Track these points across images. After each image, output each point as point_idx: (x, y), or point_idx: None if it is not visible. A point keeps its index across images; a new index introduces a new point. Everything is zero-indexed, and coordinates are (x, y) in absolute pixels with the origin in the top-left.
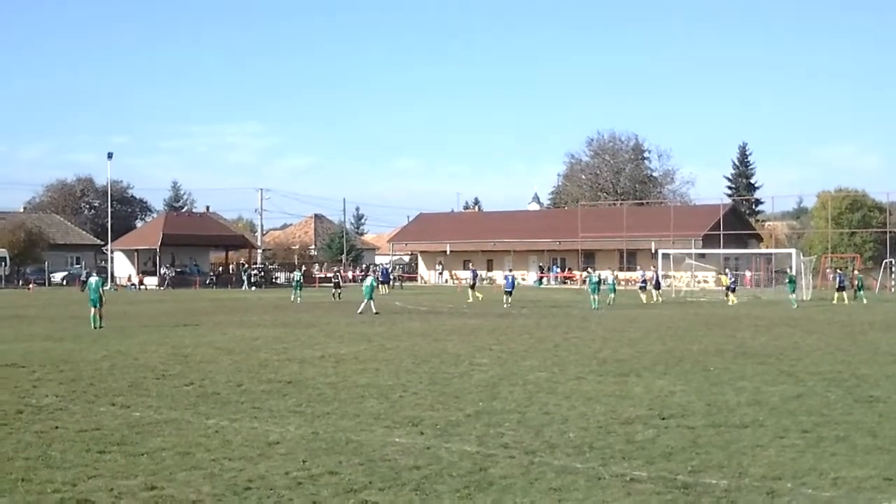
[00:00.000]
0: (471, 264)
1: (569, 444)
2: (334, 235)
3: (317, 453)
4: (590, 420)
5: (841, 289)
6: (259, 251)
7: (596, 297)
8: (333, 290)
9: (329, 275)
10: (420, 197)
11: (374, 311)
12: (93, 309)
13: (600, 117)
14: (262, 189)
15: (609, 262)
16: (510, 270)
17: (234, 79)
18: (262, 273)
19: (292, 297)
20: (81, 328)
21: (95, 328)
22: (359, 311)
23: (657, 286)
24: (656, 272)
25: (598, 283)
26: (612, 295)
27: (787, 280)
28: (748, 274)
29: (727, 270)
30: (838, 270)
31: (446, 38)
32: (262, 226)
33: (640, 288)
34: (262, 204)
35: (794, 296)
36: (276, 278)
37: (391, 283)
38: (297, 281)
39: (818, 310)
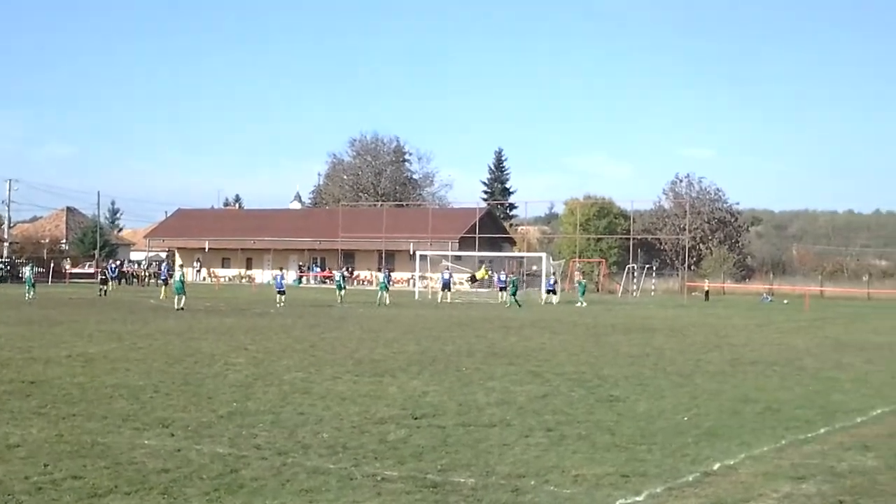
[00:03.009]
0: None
1: (322, 445)
2: (87, 230)
3: (60, 457)
4: (344, 420)
5: (550, 292)
6: (6, 245)
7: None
8: (100, 287)
9: (92, 270)
10: (182, 193)
11: (180, 307)
12: None
13: (364, 118)
14: (10, 179)
15: (368, 263)
16: (281, 269)
17: None
18: (9, 268)
19: (27, 296)
20: None
21: None
22: (179, 307)
23: (447, 287)
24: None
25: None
26: (384, 293)
27: (578, 283)
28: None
29: (485, 264)
30: (585, 274)
31: (210, 31)
32: (9, 218)
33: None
34: (10, 195)
35: (583, 297)
36: (23, 274)
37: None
38: (29, 277)
39: (566, 311)
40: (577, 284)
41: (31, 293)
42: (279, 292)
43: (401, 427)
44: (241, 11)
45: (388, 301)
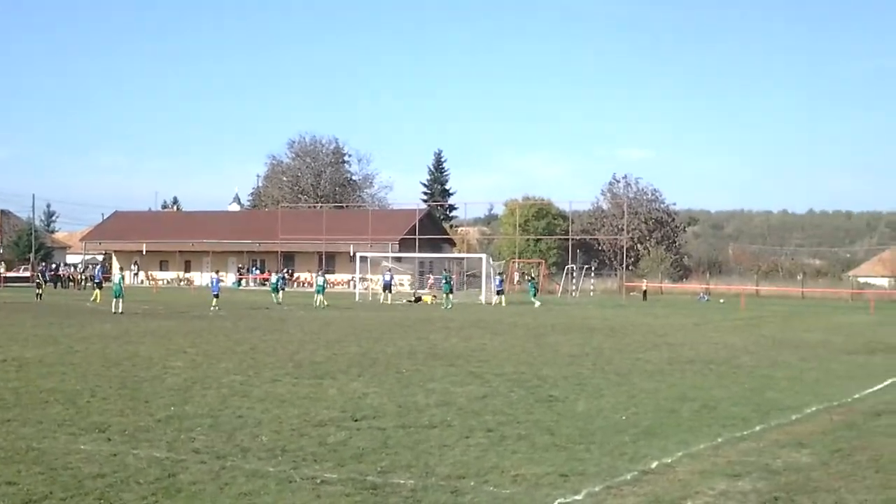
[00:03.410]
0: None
1: (261, 448)
2: (22, 233)
3: None
4: (283, 423)
5: (499, 293)
6: None
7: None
8: (36, 290)
9: (28, 274)
10: (119, 196)
11: (119, 310)
12: None
13: (302, 119)
14: None
15: (309, 265)
16: (217, 272)
17: None
18: None
19: None
20: None
21: None
22: (116, 310)
23: (388, 288)
24: (320, 274)
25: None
26: (320, 296)
27: (529, 282)
28: (432, 278)
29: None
30: (526, 275)
31: (145, 30)
32: None
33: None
34: None
35: (535, 297)
36: None
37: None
38: None
39: (506, 312)
40: (528, 285)
41: None
42: (215, 295)
43: (341, 429)
44: (177, 10)
45: (324, 304)
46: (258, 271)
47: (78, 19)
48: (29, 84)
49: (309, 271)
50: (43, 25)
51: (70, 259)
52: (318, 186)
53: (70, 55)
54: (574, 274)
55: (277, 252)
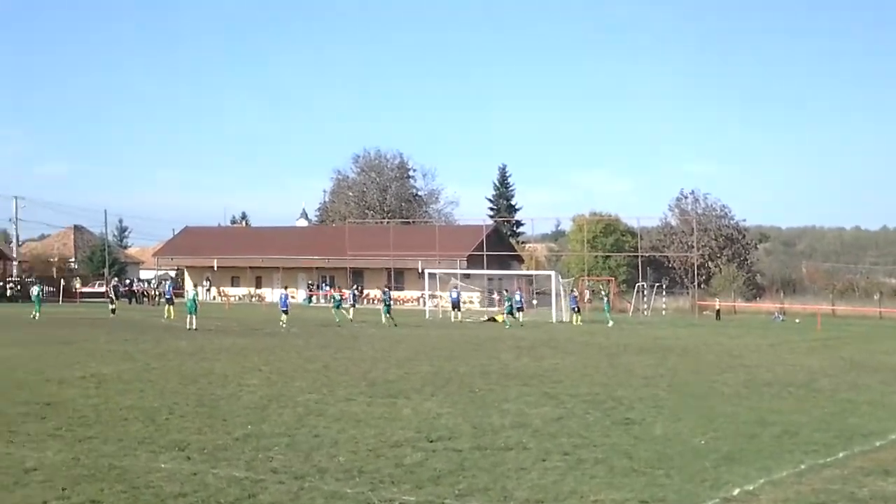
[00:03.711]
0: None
1: (339, 468)
2: (96, 248)
3: (77, 480)
4: (359, 443)
5: (575, 311)
6: (14, 263)
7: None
8: (110, 306)
9: (102, 289)
10: (186, 210)
11: (193, 327)
12: None
13: (367, 134)
14: (16, 197)
15: (377, 281)
16: (285, 288)
17: None
18: (19, 287)
19: (33, 315)
20: None
21: None
22: (190, 327)
23: (456, 306)
24: (385, 291)
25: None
26: (387, 314)
27: (603, 300)
28: (496, 296)
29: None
30: (597, 293)
31: (214, 49)
32: (17, 236)
33: (352, 305)
34: (17, 213)
35: (608, 315)
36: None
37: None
38: (37, 296)
39: (577, 331)
40: (601, 303)
41: (37, 312)
42: (283, 311)
43: (417, 450)
44: (244, 28)
45: (392, 321)
46: (328, 287)
47: (144, 40)
48: (99, 101)
49: (378, 287)
50: (112, 46)
51: (143, 274)
52: (384, 202)
53: (140, 73)
54: (645, 292)
55: (346, 268)
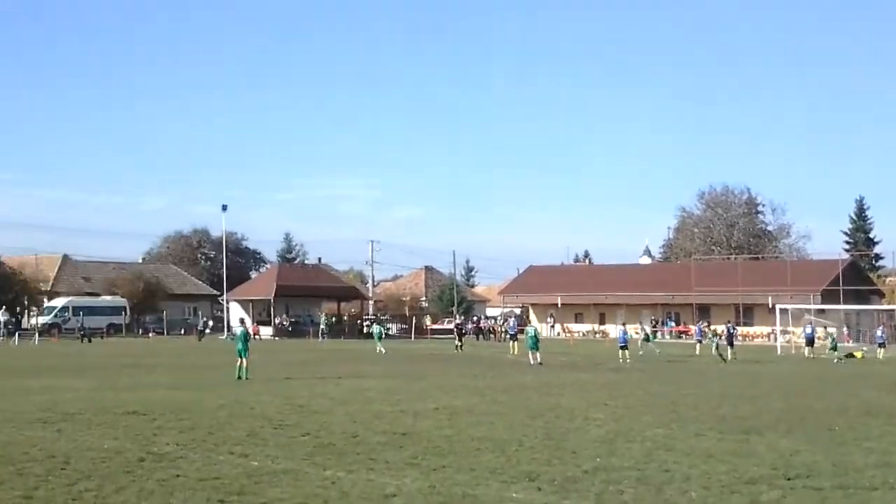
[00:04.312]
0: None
1: None
2: (445, 287)
3: None
4: (712, 479)
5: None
6: (370, 302)
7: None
8: (456, 342)
9: (449, 326)
10: (529, 250)
11: (537, 362)
12: (239, 359)
13: (710, 169)
14: (372, 241)
15: (724, 317)
16: (623, 324)
17: (346, 131)
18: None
19: (377, 348)
20: (204, 376)
21: (240, 378)
22: (534, 362)
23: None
24: (729, 327)
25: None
26: (650, 344)
27: None
28: (845, 330)
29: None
30: None
31: (541, 94)
32: (373, 277)
33: (698, 341)
34: (372, 255)
35: None
36: (388, 329)
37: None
38: (378, 333)
39: None
40: None
41: (381, 347)
42: (621, 347)
43: (773, 488)
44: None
45: (731, 354)
46: (672, 324)
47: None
48: (451, 148)
49: (723, 323)
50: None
51: (489, 312)
52: (730, 238)
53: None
54: None
55: (692, 304)
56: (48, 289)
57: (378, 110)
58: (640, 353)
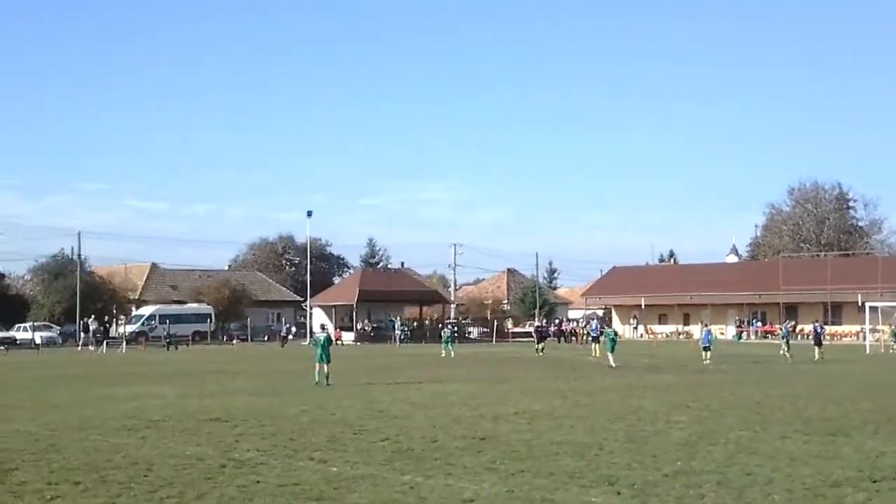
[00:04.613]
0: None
1: None
2: (527, 290)
3: None
4: (795, 482)
5: None
6: (452, 306)
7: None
8: (537, 345)
9: (530, 329)
10: (612, 250)
11: (613, 364)
12: (318, 365)
13: (798, 165)
14: (455, 244)
15: (812, 316)
16: (706, 325)
17: (429, 135)
18: (456, 329)
19: (443, 352)
20: (286, 382)
21: (318, 383)
22: (611, 364)
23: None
24: (816, 326)
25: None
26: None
27: None
28: None
29: None
30: None
31: (625, 95)
32: (455, 281)
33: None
34: (455, 259)
35: None
36: (469, 333)
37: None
38: (448, 337)
39: None
40: None
41: (450, 351)
42: (704, 348)
43: (858, 490)
44: (679, 75)
45: (822, 356)
46: (759, 324)
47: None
48: (534, 150)
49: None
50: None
51: (572, 314)
52: (820, 234)
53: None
54: None
55: (779, 303)
56: (136, 297)
57: (461, 113)
58: (790, 360)
